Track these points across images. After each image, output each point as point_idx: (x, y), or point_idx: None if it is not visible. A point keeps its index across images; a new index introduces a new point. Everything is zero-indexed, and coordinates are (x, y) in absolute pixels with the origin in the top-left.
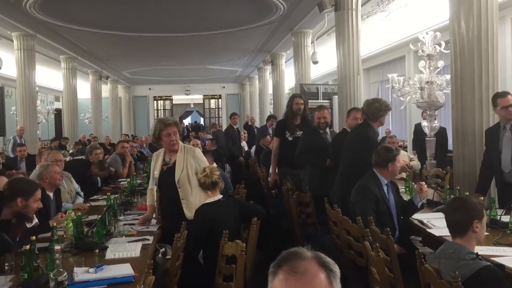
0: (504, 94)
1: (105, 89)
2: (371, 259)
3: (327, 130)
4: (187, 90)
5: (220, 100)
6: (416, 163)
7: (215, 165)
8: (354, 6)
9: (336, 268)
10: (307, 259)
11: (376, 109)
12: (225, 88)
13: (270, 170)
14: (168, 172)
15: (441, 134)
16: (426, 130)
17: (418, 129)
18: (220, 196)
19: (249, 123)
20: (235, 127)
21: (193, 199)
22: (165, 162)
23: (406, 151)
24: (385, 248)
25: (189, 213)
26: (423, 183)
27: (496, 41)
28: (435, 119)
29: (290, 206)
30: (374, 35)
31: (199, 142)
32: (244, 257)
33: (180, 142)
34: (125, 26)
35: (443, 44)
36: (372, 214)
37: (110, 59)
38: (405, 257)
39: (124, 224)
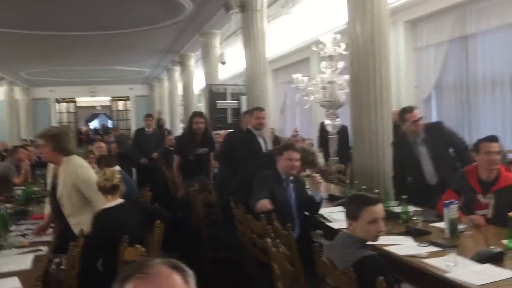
0: (411, 109)
1: (0, 91)
2: (272, 255)
3: (262, 131)
4: (93, 92)
5: (128, 102)
6: (321, 160)
7: (117, 168)
8: (259, 8)
9: (189, 270)
10: (157, 263)
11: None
12: (133, 90)
13: (178, 183)
14: (55, 185)
15: (343, 131)
16: (329, 128)
17: (322, 127)
18: (121, 200)
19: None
20: (147, 130)
21: (82, 217)
22: (55, 174)
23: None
24: (287, 243)
25: (77, 230)
26: (317, 175)
27: (387, 43)
28: (337, 117)
29: (197, 207)
30: (281, 36)
31: (103, 145)
32: None
33: (63, 157)
34: (20, 24)
35: (343, 45)
36: (264, 193)
37: (4, 59)
38: (307, 251)
39: (16, 235)
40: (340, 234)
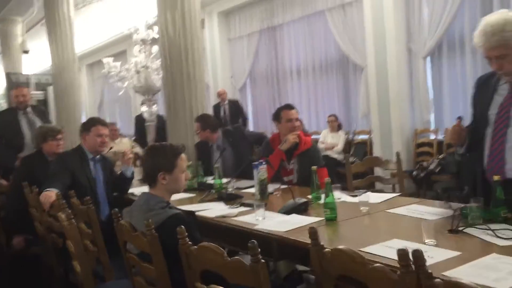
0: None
1: None
2: (66, 231)
3: (29, 109)
4: None
5: None
6: (139, 150)
7: None
8: None
9: None
10: None
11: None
12: None
13: None
14: None
15: (160, 119)
16: (146, 115)
17: (138, 118)
18: None
19: None
20: None
21: None
22: None
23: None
24: (87, 221)
25: None
26: (127, 151)
27: (198, 31)
28: (154, 104)
29: None
30: (94, 28)
31: None
32: None
33: None
34: None
35: (156, 29)
36: (59, 184)
37: None
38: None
39: None
40: (142, 194)
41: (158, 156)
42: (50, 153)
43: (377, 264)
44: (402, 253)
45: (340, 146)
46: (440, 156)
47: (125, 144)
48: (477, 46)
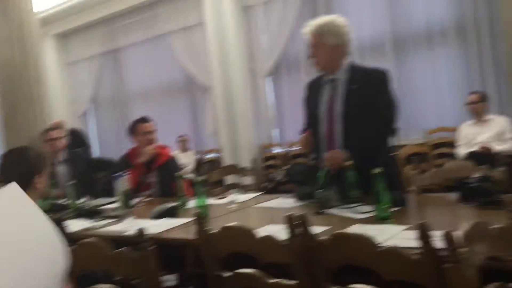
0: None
1: None
2: None
3: None
4: None
5: None
6: None
7: None
8: None
9: None
10: None
11: None
12: None
13: None
14: None
15: None
16: None
17: None
18: None
19: None
20: None
21: None
22: None
23: None
24: None
25: None
26: None
27: (38, 52)
28: None
29: None
30: None
31: None
32: None
33: None
34: None
35: None
36: None
37: None
38: None
39: None
40: None
41: (30, 159)
42: None
43: (265, 235)
44: (289, 216)
45: (191, 165)
46: (285, 167)
47: None
48: (305, 33)
